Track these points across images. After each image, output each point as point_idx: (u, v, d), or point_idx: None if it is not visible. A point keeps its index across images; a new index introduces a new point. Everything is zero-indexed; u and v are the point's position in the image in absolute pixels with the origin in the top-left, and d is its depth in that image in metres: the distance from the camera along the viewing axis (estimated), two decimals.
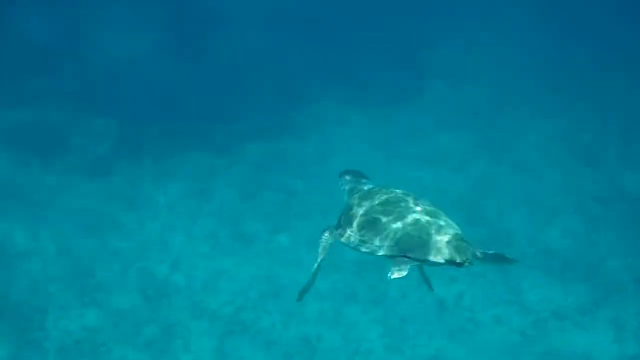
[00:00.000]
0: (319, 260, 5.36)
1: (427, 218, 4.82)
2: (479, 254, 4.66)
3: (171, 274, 10.00)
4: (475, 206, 11.67)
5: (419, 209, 4.95)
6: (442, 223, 4.77)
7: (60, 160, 12.42)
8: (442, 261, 4.56)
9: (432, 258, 4.59)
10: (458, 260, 4.55)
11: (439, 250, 4.59)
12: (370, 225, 4.96)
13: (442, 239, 4.64)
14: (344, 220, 5.17)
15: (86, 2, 17.73)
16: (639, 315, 9.58)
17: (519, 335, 9.29)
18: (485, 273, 10.09)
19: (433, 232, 4.70)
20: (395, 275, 4.55)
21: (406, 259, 4.65)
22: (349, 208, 5.24)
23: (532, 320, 9.49)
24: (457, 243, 4.60)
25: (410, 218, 4.86)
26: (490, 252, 4.72)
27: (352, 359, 8.90)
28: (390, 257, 4.76)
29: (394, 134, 13.84)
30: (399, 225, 4.84)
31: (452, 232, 4.68)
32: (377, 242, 4.86)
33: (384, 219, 4.93)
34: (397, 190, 5.22)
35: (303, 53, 16.34)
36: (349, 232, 5.07)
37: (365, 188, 5.50)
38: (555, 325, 9.41)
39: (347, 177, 5.77)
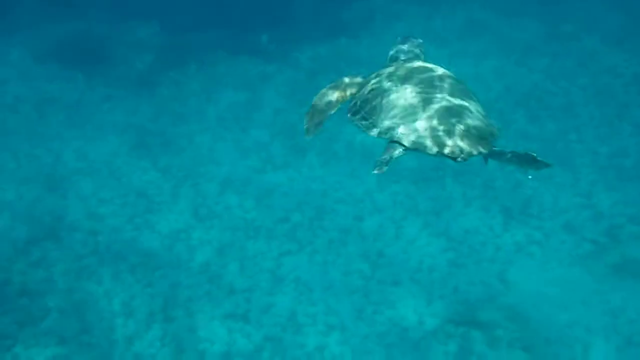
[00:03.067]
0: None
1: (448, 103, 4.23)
2: (486, 151, 4.06)
3: (222, 192, 9.65)
4: (540, 102, 10.91)
5: (441, 95, 4.32)
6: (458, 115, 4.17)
7: (105, 73, 12.01)
8: (432, 152, 4.05)
9: (420, 147, 4.08)
10: (446, 152, 4.01)
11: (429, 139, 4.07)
12: (376, 98, 4.40)
13: (438, 127, 4.11)
14: (360, 89, 4.63)
15: None
16: None
17: (591, 243, 8.72)
18: (553, 175, 9.45)
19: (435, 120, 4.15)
20: (376, 171, 4.05)
21: (397, 145, 4.15)
22: (372, 76, 4.65)
23: (605, 227, 8.88)
24: (457, 135, 4.06)
25: (424, 102, 4.26)
26: (519, 152, 4.19)
27: (414, 276, 8.49)
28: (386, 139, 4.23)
29: (451, 26, 12.96)
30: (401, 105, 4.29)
31: (459, 123, 4.11)
32: (369, 120, 4.33)
33: (393, 96, 4.37)
34: (438, 71, 4.55)
35: None
36: (356, 101, 4.54)
37: (403, 58, 4.89)
38: (632, 231, 8.78)
39: (400, 45, 5.07)
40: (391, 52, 5.15)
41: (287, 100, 11.33)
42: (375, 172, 4.05)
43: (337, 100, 4.74)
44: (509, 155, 4.20)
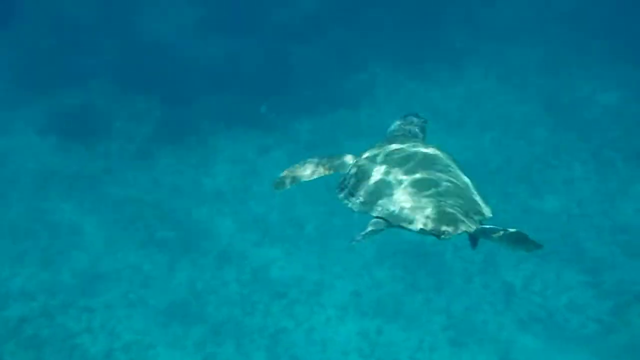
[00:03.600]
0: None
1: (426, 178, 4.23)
2: (474, 229, 3.99)
3: (220, 266, 9.50)
4: (541, 176, 10.82)
5: (428, 173, 4.31)
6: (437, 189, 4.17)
7: (104, 145, 11.98)
8: (415, 229, 4.03)
9: (402, 223, 4.09)
10: (428, 229, 3.98)
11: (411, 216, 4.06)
12: (361, 175, 4.45)
13: (422, 204, 4.07)
14: (346, 166, 4.76)
15: None
16: None
17: (597, 323, 8.49)
18: (556, 250, 9.30)
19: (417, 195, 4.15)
20: (353, 242, 4.20)
21: (379, 221, 4.23)
22: (362, 153, 4.71)
23: (611, 306, 8.67)
24: (440, 212, 4.00)
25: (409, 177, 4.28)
26: (509, 231, 3.97)
27: (415, 356, 8.26)
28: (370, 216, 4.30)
29: (451, 98, 12.99)
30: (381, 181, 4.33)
31: (443, 200, 4.07)
32: (355, 196, 4.42)
33: (379, 174, 4.39)
34: (426, 149, 4.55)
35: (348, 16, 15.48)
36: (344, 178, 4.65)
37: (399, 134, 4.93)
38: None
39: (398, 122, 5.15)
40: (390, 129, 5.13)
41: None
42: (353, 243, 4.16)
43: (313, 172, 4.87)
44: (501, 233, 4.03)
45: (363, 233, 4.18)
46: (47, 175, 11.22)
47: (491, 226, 4.03)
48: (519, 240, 4.04)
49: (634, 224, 9.67)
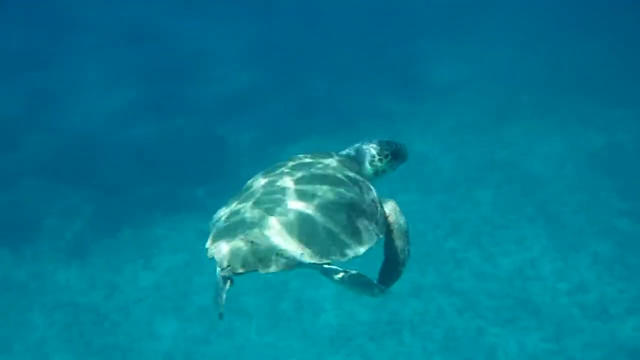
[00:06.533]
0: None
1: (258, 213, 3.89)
2: (283, 264, 3.70)
3: None
4: (491, 238, 10.57)
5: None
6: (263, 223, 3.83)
7: (33, 247, 11.27)
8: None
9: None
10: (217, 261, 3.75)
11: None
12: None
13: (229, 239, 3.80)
14: None
15: (50, 66, 16.80)
16: None
17: None
18: (515, 318, 8.98)
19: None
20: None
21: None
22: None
23: None
24: (238, 248, 3.73)
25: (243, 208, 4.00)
26: (351, 272, 3.72)
27: None
28: None
29: None
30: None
31: (250, 234, 3.75)
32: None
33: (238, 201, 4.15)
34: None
35: (281, 90, 15.29)
36: None
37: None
38: None
39: (350, 150, 4.71)
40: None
41: None
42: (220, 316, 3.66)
43: None
44: (341, 275, 3.73)
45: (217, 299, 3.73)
46: None
47: (332, 266, 3.71)
48: (362, 284, 3.76)
49: (589, 281, 9.41)
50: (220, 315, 3.66)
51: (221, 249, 3.73)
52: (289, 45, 17.32)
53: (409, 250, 4.21)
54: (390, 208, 4.28)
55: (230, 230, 3.82)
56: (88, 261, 10.89)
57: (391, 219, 4.23)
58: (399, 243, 4.17)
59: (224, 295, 3.70)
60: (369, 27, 18.02)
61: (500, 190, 11.52)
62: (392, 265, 4.15)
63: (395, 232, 4.20)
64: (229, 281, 3.73)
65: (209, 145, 13.63)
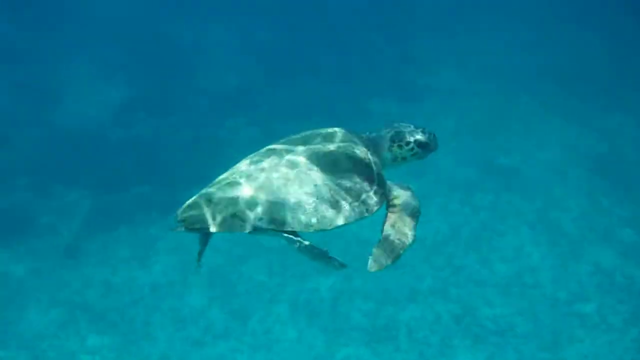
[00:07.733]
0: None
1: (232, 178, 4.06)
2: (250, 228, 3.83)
3: None
4: (489, 244, 10.50)
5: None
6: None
7: (31, 246, 11.17)
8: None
9: None
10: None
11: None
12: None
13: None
14: None
15: (43, 62, 16.66)
16: None
17: None
18: (514, 326, 8.90)
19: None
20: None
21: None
22: None
23: None
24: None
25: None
26: (304, 243, 3.80)
27: None
28: None
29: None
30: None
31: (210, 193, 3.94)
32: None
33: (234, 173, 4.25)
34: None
35: (274, 88, 15.20)
36: None
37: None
38: None
39: (365, 134, 4.55)
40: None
41: (224, 258, 10.65)
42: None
43: None
44: (297, 245, 3.79)
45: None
46: None
47: (290, 236, 3.77)
48: (317, 255, 3.80)
49: (587, 290, 9.34)
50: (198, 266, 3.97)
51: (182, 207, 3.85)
52: (285, 45, 17.22)
53: (414, 236, 4.10)
54: (400, 191, 4.19)
55: (201, 194, 3.86)
56: (84, 261, 10.80)
57: (397, 201, 4.14)
58: (399, 225, 4.07)
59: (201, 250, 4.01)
60: (366, 27, 17.92)
61: (500, 196, 11.45)
62: (387, 245, 3.99)
63: (398, 213, 4.10)
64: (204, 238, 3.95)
65: (204, 145, 13.52)
